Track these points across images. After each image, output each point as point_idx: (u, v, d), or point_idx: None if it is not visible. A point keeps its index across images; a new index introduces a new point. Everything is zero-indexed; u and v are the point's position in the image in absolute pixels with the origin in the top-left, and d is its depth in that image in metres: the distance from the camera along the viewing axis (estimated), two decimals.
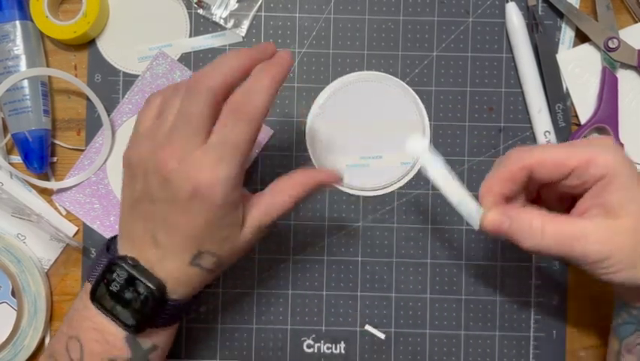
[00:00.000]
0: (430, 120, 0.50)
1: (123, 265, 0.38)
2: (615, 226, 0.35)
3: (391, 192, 0.50)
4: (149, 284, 0.37)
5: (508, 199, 0.38)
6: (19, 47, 0.48)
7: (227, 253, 0.39)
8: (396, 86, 0.50)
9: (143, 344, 0.39)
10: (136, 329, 0.38)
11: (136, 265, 0.38)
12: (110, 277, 0.38)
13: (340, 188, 0.50)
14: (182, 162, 0.36)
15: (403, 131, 0.50)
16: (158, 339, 0.40)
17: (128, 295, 0.37)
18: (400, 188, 0.50)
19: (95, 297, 0.38)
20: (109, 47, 0.51)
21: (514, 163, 0.37)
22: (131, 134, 0.40)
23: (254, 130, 0.36)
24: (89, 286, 0.39)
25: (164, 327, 0.40)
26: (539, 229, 0.36)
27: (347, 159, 0.50)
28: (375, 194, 0.50)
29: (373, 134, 0.50)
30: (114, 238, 0.41)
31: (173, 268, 0.38)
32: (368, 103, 0.50)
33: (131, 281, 0.37)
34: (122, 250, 0.39)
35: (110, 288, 0.38)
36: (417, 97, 0.50)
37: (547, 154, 0.36)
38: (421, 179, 0.50)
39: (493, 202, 0.38)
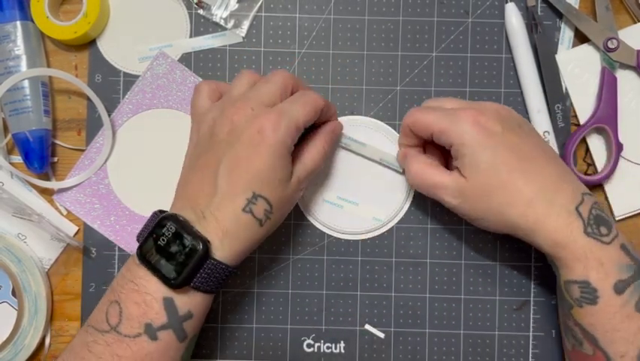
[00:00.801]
0: None
1: (172, 220, 0.40)
2: (464, 184, 0.42)
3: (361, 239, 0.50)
4: (196, 238, 0.39)
5: (424, 147, 0.48)
6: (19, 48, 0.48)
7: (277, 201, 0.41)
8: (393, 141, 0.50)
9: (179, 309, 0.40)
10: (176, 282, 0.39)
11: (184, 221, 0.40)
12: (159, 232, 0.40)
13: (312, 222, 0.50)
14: (249, 115, 0.41)
15: (383, 186, 0.50)
16: (194, 306, 0.41)
17: (173, 248, 0.39)
18: (365, 240, 0.50)
19: (141, 251, 0.40)
20: (109, 48, 0.51)
21: (404, 122, 0.46)
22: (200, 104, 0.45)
23: (308, 112, 0.43)
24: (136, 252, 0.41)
25: (202, 292, 0.41)
26: (414, 174, 0.46)
27: (327, 193, 0.50)
28: (342, 237, 0.50)
29: (357, 179, 0.50)
30: (163, 211, 0.43)
31: (225, 215, 0.40)
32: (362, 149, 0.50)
33: (178, 235, 0.39)
34: (174, 210, 0.42)
35: (158, 242, 0.40)
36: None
37: (419, 117, 0.44)
38: (385, 238, 0.50)
39: (403, 150, 0.48)
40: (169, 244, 0.39)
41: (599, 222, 0.40)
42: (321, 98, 0.45)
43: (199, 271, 0.39)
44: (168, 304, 0.39)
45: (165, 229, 0.40)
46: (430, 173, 0.45)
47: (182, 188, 0.43)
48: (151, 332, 0.39)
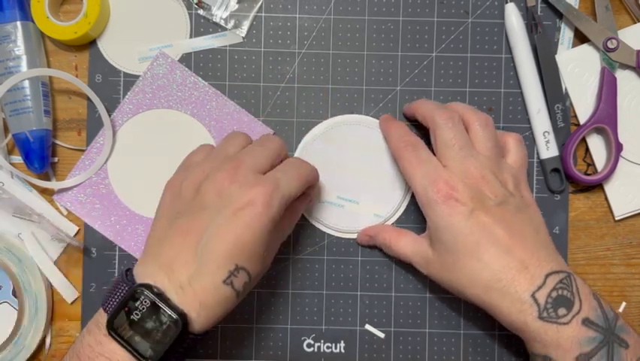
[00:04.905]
0: None
1: (147, 292, 0.37)
2: (430, 256, 0.44)
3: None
4: (173, 313, 0.37)
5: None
6: (20, 48, 0.48)
7: (255, 274, 0.40)
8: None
9: None
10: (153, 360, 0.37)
11: (161, 293, 0.37)
12: (132, 305, 0.37)
13: (313, 223, 0.50)
14: (242, 182, 0.40)
15: (382, 183, 0.50)
16: None
17: (149, 324, 0.37)
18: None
19: (112, 325, 0.37)
20: (110, 48, 0.51)
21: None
22: (184, 163, 0.45)
23: (300, 186, 0.42)
24: (102, 318, 0.38)
25: None
26: (382, 244, 0.48)
27: (326, 194, 0.50)
28: (344, 236, 0.50)
29: (356, 178, 0.50)
30: (130, 270, 0.40)
31: (204, 288, 0.38)
32: (359, 146, 0.50)
33: (153, 310, 0.37)
34: (146, 276, 0.39)
35: (131, 317, 0.37)
36: None
37: (405, 157, 0.45)
38: None
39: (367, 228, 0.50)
40: (144, 319, 0.37)
41: (558, 303, 0.40)
42: (313, 168, 0.45)
43: (176, 347, 0.37)
44: None
45: (139, 302, 0.37)
46: (401, 245, 0.47)
47: (157, 247, 0.40)
48: None
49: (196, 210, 0.40)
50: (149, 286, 0.37)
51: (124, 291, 0.38)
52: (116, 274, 0.50)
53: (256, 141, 0.44)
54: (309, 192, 0.47)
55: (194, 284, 0.38)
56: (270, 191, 0.39)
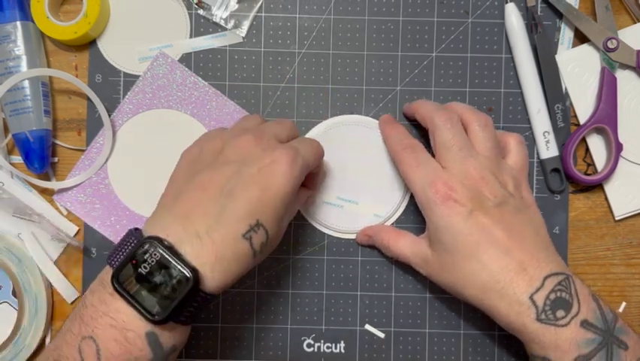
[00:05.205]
0: None
1: (157, 244, 0.35)
2: (429, 256, 0.44)
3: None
4: (184, 268, 0.35)
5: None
6: (20, 48, 0.48)
7: (273, 236, 0.40)
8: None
9: (164, 344, 0.36)
10: (160, 318, 0.35)
11: (171, 246, 0.36)
12: (140, 258, 0.35)
13: (313, 224, 0.50)
14: (266, 145, 0.40)
15: (382, 183, 0.50)
16: (178, 339, 0.38)
17: (157, 278, 0.35)
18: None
19: (118, 279, 0.35)
20: (110, 48, 0.51)
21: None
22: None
23: (316, 156, 0.44)
24: (107, 276, 0.36)
25: (184, 324, 0.38)
26: (380, 245, 0.49)
27: (326, 195, 0.50)
28: (344, 236, 0.50)
29: (355, 179, 0.50)
30: (139, 229, 0.38)
31: (223, 238, 0.36)
32: (358, 147, 0.50)
33: (163, 264, 0.35)
34: (158, 229, 0.37)
35: (139, 270, 0.35)
36: None
37: (405, 160, 0.45)
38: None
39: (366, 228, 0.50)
40: (152, 273, 0.35)
41: (556, 305, 0.40)
42: (321, 146, 0.45)
43: (185, 305, 0.36)
44: (152, 340, 0.36)
45: (148, 254, 0.35)
46: (399, 246, 0.47)
47: (172, 201, 0.39)
48: None
49: (218, 166, 0.39)
50: (159, 239, 0.36)
51: (132, 244, 0.36)
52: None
53: (271, 121, 0.46)
54: (312, 182, 0.48)
55: (213, 234, 0.36)
56: (292, 154, 0.40)
